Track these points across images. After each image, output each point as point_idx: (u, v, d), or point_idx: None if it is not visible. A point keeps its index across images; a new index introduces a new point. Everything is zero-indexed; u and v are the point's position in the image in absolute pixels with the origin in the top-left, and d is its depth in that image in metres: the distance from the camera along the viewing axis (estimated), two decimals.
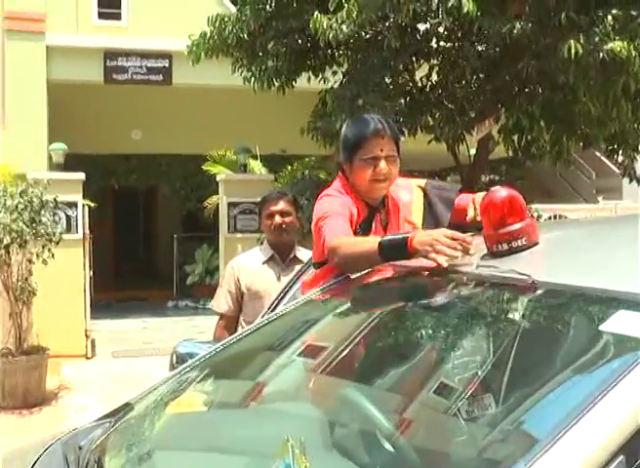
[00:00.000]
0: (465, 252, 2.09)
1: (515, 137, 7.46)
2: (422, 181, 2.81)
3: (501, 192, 2.09)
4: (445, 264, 2.05)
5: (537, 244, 2.04)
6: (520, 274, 1.78)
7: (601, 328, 1.52)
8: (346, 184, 2.73)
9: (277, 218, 4.09)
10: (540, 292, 1.77)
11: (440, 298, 2.09)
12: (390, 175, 2.66)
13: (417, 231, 2.30)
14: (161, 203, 18.22)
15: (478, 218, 2.38)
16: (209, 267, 14.40)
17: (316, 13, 6.53)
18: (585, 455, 1.25)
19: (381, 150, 2.62)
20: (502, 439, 1.54)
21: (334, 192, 2.74)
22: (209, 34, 8.21)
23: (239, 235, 10.24)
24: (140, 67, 12.16)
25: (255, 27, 7.90)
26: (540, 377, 1.55)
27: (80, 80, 11.85)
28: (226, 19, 8.11)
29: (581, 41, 5.98)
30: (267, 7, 7.94)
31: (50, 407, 7.35)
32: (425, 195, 2.72)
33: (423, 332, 2.04)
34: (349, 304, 2.50)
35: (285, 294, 3.49)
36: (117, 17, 12.50)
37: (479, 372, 1.77)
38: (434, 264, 2.06)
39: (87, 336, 9.43)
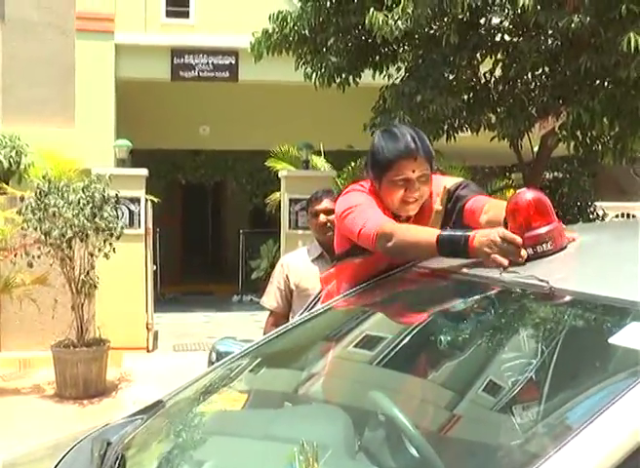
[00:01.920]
0: (516, 257, 1.92)
1: (578, 134, 7.24)
2: (453, 181, 2.58)
3: (527, 194, 2.02)
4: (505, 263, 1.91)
5: (564, 248, 1.97)
6: (539, 280, 1.72)
7: (610, 340, 1.45)
8: (375, 191, 2.56)
9: (321, 217, 4.07)
10: (556, 300, 1.71)
11: (457, 304, 2.04)
12: (422, 196, 2.47)
13: (476, 230, 2.09)
14: (228, 198, 18.37)
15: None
16: (274, 262, 14.39)
17: (372, 9, 6.46)
18: None
19: (413, 171, 2.43)
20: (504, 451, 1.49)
21: (363, 189, 2.59)
22: (271, 31, 8.22)
23: (300, 231, 10.22)
24: (207, 64, 12.28)
25: (315, 24, 7.88)
26: (539, 388, 1.50)
27: (148, 77, 12.03)
28: (288, 15, 8.10)
29: None
30: (328, 3, 7.89)
31: (109, 398, 7.51)
32: (449, 199, 2.50)
33: (440, 338, 1.99)
34: (374, 308, 2.47)
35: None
36: (185, 15, 12.66)
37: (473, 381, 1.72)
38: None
39: (148, 329, 9.54)
